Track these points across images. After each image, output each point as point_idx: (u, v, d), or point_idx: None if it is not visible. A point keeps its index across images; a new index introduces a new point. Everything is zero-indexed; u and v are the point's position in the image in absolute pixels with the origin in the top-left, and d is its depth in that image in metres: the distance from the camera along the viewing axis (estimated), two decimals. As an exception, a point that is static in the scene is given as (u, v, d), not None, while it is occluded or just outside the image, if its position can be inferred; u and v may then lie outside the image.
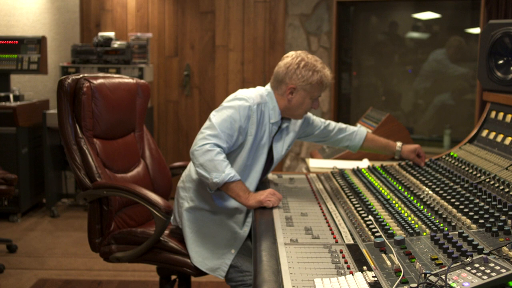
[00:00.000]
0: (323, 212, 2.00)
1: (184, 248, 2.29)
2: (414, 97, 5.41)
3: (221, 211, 2.29)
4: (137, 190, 2.25)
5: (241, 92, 2.30)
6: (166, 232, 2.37)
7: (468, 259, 1.27)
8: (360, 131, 2.60)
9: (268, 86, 2.37)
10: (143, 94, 2.68)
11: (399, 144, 2.55)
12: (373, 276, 1.37)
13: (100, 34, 5.25)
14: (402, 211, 1.84)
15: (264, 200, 2.05)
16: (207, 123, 2.19)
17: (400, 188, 2.13)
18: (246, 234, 2.27)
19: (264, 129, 2.29)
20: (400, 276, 1.36)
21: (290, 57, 2.31)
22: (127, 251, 2.34)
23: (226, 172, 2.09)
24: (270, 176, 2.58)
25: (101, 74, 2.52)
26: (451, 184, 2.01)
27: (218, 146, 2.13)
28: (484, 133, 2.31)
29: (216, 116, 2.19)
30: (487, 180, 1.92)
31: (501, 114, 2.24)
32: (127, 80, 2.62)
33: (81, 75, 2.42)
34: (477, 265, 1.24)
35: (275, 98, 2.32)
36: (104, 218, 2.36)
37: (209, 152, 2.10)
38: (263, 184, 2.45)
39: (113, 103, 2.49)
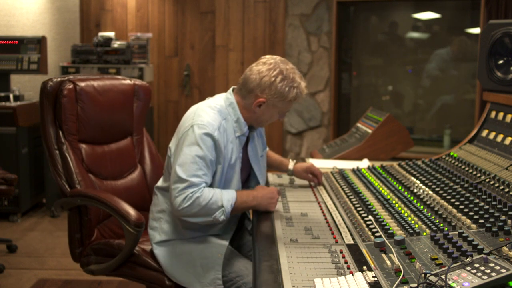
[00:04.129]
0: (323, 212, 2.00)
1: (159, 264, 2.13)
2: (414, 97, 5.41)
3: (197, 234, 2.10)
4: (107, 200, 2.09)
5: (198, 116, 2.02)
6: (143, 246, 2.19)
7: (468, 259, 1.27)
8: None
9: (230, 94, 2.12)
10: (143, 96, 2.53)
11: (291, 163, 2.44)
12: (373, 276, 1.37)
13: (100, 34, 5.25)
14: (402, 211, 1.84)
15: (270, 205, 2.03)
16: (174, 176, 1.95)
17: (400, 188, 2.13)
18: (228, 241, 2.10)
19: (232, 147, 2.06)
20: (400, 276, 1.36)
21: (267, 65, 2.04)
22: (101, 264, 2.20)
23: (225, 203, 1.95)
24: (270, 176, 2.58)
25: (91, 76, 2.39)
26: (451, 184, 2.01)
27: (195, 189, 1.93)
28: (484, 133, 2.31)
29: (180, 165, 1.95)
30: (487, 180, 1.93)
31: (501, 114, 2.24)
32: (123, 81, 2.47)
33: (66, 77, 2.29)
34: (477, 265, 1.24)
35: (238, 108, 2.08)
36: (84, 227, 2.23)
37: (193, 203, 1.92)
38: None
39: (102, 106, 2.35)
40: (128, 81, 2.49)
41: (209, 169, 1.98)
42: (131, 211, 2.05)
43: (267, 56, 2.11)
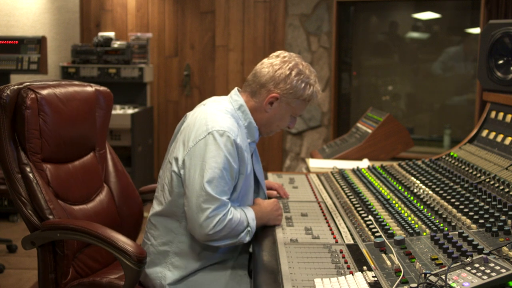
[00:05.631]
0: (323, 212, 2.00)
1: None
2: (414, 97, 5.41)
3: (215, 258, 1.87)
4: (98, 232, 1.78)
5: (213, 121, 1.76)
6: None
7: (468, 259, 1.27)
8: None
9: (237, 95, 1.90)
10: (105, 103, 2.22)
11: None
12: (373, 276, 1.37)
13: (100, 34, 5.25)
14: (402, 211, 1.84)
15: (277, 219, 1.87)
16: (202, 195, 1.69)
17: (400, 188, 2.13)
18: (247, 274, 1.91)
19: (247, 156, 1.83)
20: (400, 276, 1.36)
21: (281, 58, 1.87)
22: None
23: (250, 222, 1.78)
24: (270, 176, 2.58)
25: (51, 82, 2.05)
26: (451, 184, 2.01)
27: (226, 209, 1.73)
28: (484, 133, 2.31)
29: (209, 182, 1.70)
30: (487, 180, 1.93)
31: (501, 114, 2.24)
32: (85, 88, 2.16)
33: (24, 84, 1.93)
34: (477, 265, 1.24)
35: (247, 110, 1.87)
36: (59, 265, 1.90)
37: (225, 226, 1.71)
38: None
39: (66, 117, 2.02)
40: (89, 88, 2.18)
41: (232, 182, 1.77)
42: (129, 244, 1.73)
43: (280, 51, 1.93)
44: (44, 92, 1.94)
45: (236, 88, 1.94)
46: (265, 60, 1.90)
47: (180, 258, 1.84)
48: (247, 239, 1.78)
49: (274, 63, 1.86)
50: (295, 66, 1.85)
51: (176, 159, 1.81)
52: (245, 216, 1.78)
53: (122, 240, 1.74)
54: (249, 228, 1.78)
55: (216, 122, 1.76)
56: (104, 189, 2.19)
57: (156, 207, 1.90)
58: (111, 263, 2.12)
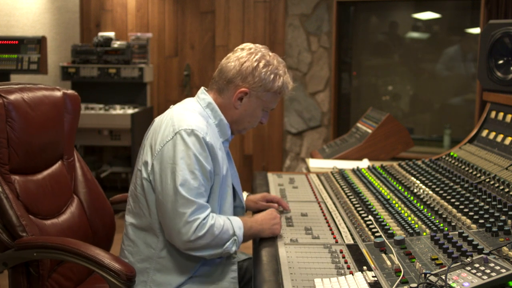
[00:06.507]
0: (323, 212, 2.00)
1: None
2: (414, 97, 5.41)
3: (204, 272, 1.76)
4: (82, 250, 1.63)
5: (180, 121, 1.69)
6: None
7: (468, 259, 1.27)
8: None
9: (203, 94, 1.83)
10: (72, 108, 2.07)
11: (244, 195, 2.03)
12: (373, 276, 1.37)
13: (100, 34, 5.25)
14: (402, 211, 1.85)
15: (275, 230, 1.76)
16: (176, 199, 1.61)
17: (400, 188, 2.13)
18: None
19: (222, 155, 1.74)
20: (400, 276, 1.36)
21: (247, 50, 1.79)
22: None
23: (237, 231, 1.69)
24: (270, 176, 2.57)
25: (16, 85, 1.89)
26: (451, 184, 2.01)
27: (206, 213, 1.64)
28: (484, 133, 2.31)
29: (182, 185, 1.61)
30: (487, 180, 1.93)
31: (501, 114, 2.24)
32: (52, 91, 2.02)
33: None
34: (477, 265, 1.24)
35: (216, 107, 1.79)
36: (33, 286, 1.76)
37: (207, 232, 1.62)
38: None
39: (35, 123, 1.87)
40: (57, 91, 2.04)
41: (208, 184, 1.68)
42: (117, 263, 1.60)
43: (245, 43, 1.85)
44: (11, 97, 1.81)
45: (202, 88, 1.86)
46: (231, 54, 1.82)
47: (162, 274, 1.72)
48: (234, 249, 1.68)
49: (240, 56, 1.78)
50: (262, 57, 1.76)
51: (146, 164, 1.72)
52: (231, 224, 1.69)
53: (109, 257, 1.61)
54: (235, 237, 1.68)
55: (182, 121, 1.68)
56: (74, 200, 2.05)
57: (131, 219, 1.78)
58: (83, 281, 2.02)
